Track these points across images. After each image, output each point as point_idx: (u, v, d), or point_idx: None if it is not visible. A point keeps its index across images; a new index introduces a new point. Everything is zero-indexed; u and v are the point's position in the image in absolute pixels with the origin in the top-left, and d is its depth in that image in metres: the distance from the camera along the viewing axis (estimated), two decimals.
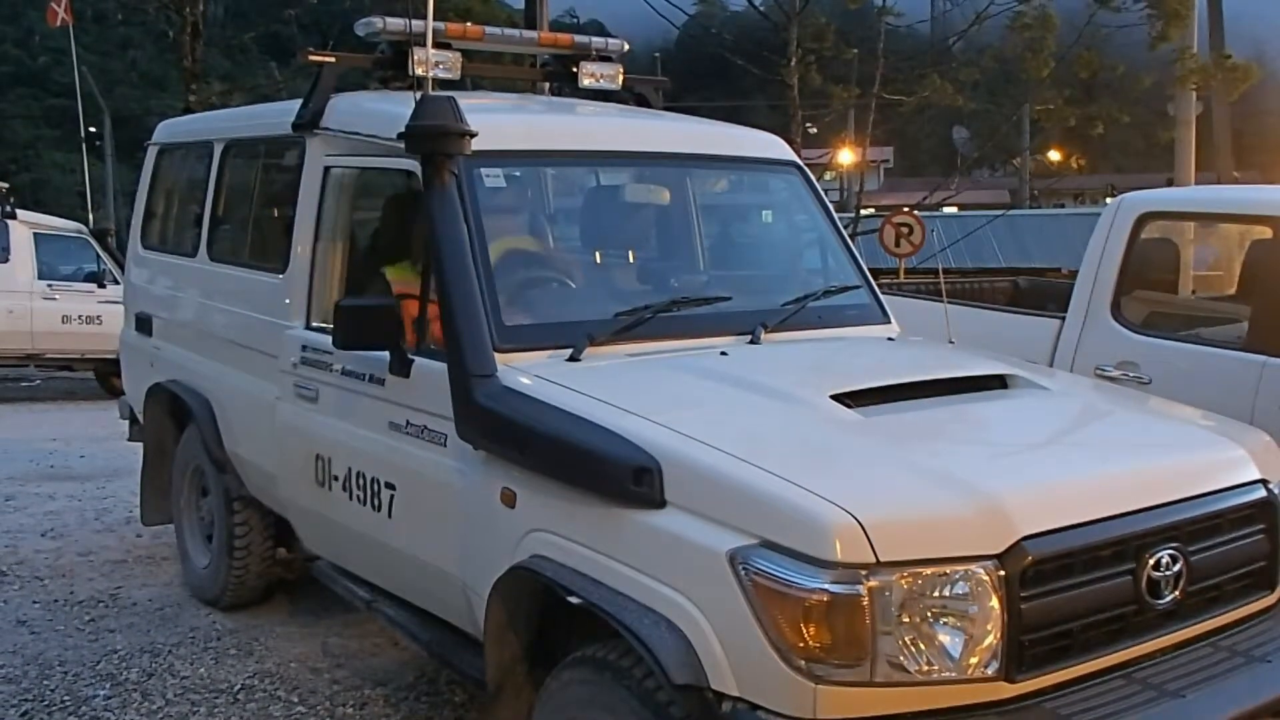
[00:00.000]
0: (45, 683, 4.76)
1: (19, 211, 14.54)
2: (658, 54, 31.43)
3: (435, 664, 4.90)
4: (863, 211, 17.09)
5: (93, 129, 41.04)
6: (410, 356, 3.67)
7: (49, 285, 14.27)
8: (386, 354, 3.69)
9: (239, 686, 4.74)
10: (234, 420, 5.09)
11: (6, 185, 15.15)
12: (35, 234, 14.42)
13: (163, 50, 51.49)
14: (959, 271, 15.33)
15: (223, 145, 5.46)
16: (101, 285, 14.41)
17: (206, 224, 5.49)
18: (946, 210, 22.52)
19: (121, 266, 14.79)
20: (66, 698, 4.62)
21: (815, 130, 20.73)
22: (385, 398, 3.80)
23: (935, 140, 40.02)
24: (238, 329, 5.00)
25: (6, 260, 14.17)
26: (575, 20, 45.21)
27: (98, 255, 14.69)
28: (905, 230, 14.86)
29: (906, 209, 16.06)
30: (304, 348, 4.27)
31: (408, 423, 3.70)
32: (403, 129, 3.64)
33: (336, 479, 4.06)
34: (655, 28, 21.50)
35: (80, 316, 14.30)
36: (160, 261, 6.07)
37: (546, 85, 5.24)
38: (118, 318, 15.82)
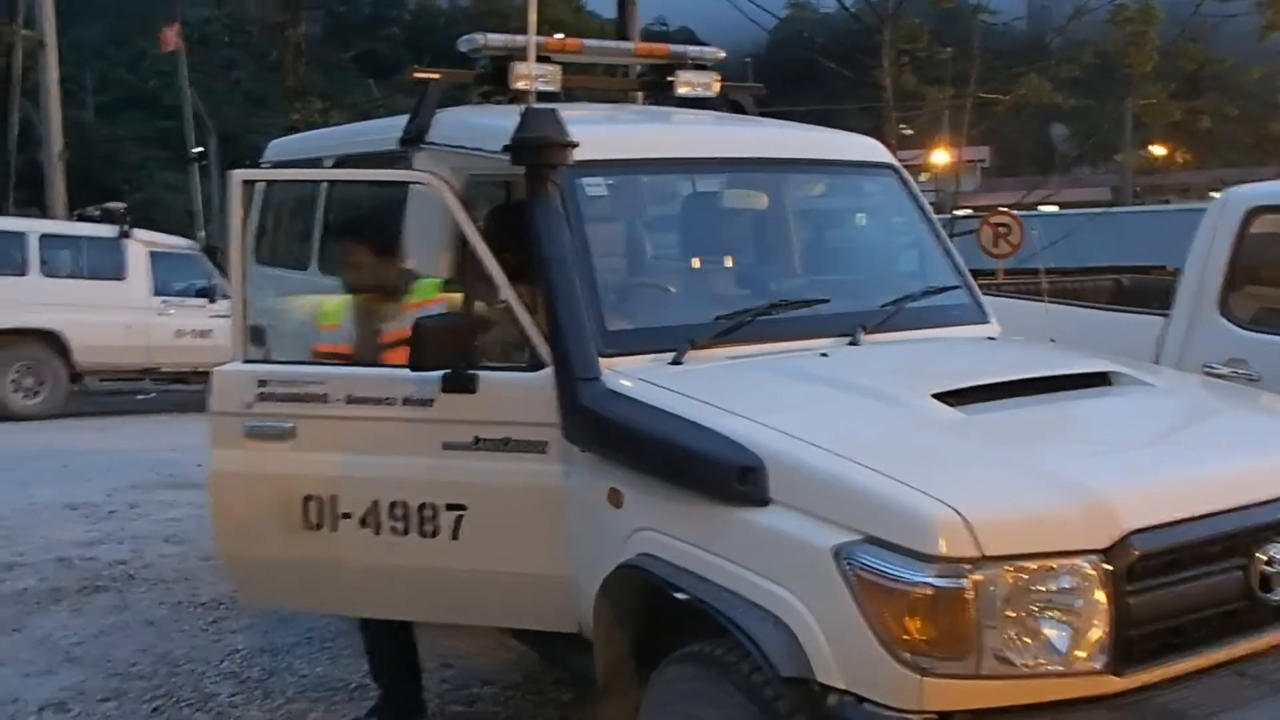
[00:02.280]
0: (174, 679, 4.97)
1: (134, 230, 15.08)
2: (748, 59, 31.42)
3: (540, 665, 5.02)
4: (959, 212, 16.94)
5: (199, 149, 42.17)
6: (472, 371, 3.63)
7: (163, 301, 14.77)
8: (433, 373, 3.63)
9: (354, 685, 4.90)
10: None
11: (123, 205, 15.70)
12: (150, 252, 14.94)
13: (264, 71, 52.75)
14: (1059, 271, 15.14)
15: (331, 162, 5.63)
16: (212, 300, 14.85)
17: (316, 238, 5.66)
18: (1044, 209, 22.22)
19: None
20: (194, 694, 4.81)
21: (910, 132, 20.59)
22: (436, 417, 3.69)
23: (1032, 139, 39.43)
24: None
25: (124, 278, 14.70)
26: (665, 27, 45.29)
27: (208, 271, 15.15)
28: (1003, 230, 14.71)
29: (1004, 209, 15.88)
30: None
31: (477, 439, 3.65)
32: (508, 142, 3.74)
33: (346, 517, 3.79)
34: (745, 33, 21.56)
35: (193, 330, 14.77)
36: (271, 275, 6.26)
37: (640, 95, 5.31)
38: (228, 332, 16.28)
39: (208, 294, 14.88)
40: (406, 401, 3.75)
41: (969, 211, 17.98)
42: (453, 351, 3.59)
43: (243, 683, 4.94)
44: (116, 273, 14.73)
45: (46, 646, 5.48)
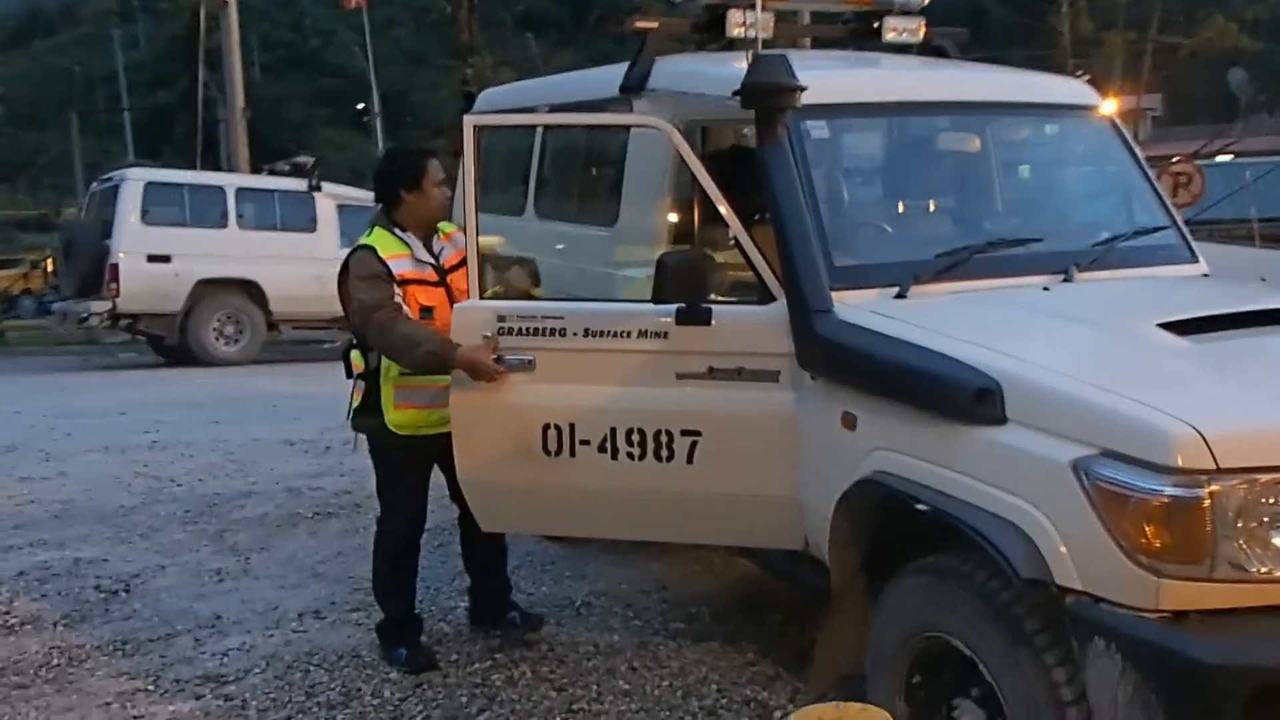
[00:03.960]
0: None
1: (323, 184, 15.80)
2: None
3: (752, 589, 5.33)
4: None
5: (360, 105, 43.24)
6: (706, 306, 3.89)
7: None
8: (668, 307, 3.88)
9: (579, 602, 5.28)
10: None
11: (311, 160, 16.44)
12: (338, 205, 15.64)
13: (423, 29, 53.74)
14: (1242, 222, 14.70)
15: (547, 111, 5.95)
16: None
17: (533, 184, 6.01)
18: (1221, 158, 21.49)
19: None
20: (433, 607, 5.24)
21: (1088, 78, 20.16)
22: (671, 349, 3.94)
23: (1208, 85, 37.97)
24: (566, 279, 5.45)
25: (314, 230, 15.44)
26: None
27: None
28: (1184, 180, 14.37)
29: (1181, 157, 15.49)
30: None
31: (711, 369, 3.91)
32: (738, 87, 3.99)
33: (586, 443, 4.05)
34: None
35: None
36: (486, 221, 6.63)
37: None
38: None
39: None
40: (642, 334, 4.01)
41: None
42: (690, 287, 3.85)
43: None
44: (308, 225, 15.48)
45: (293, 564, 6.01)
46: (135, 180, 15.02)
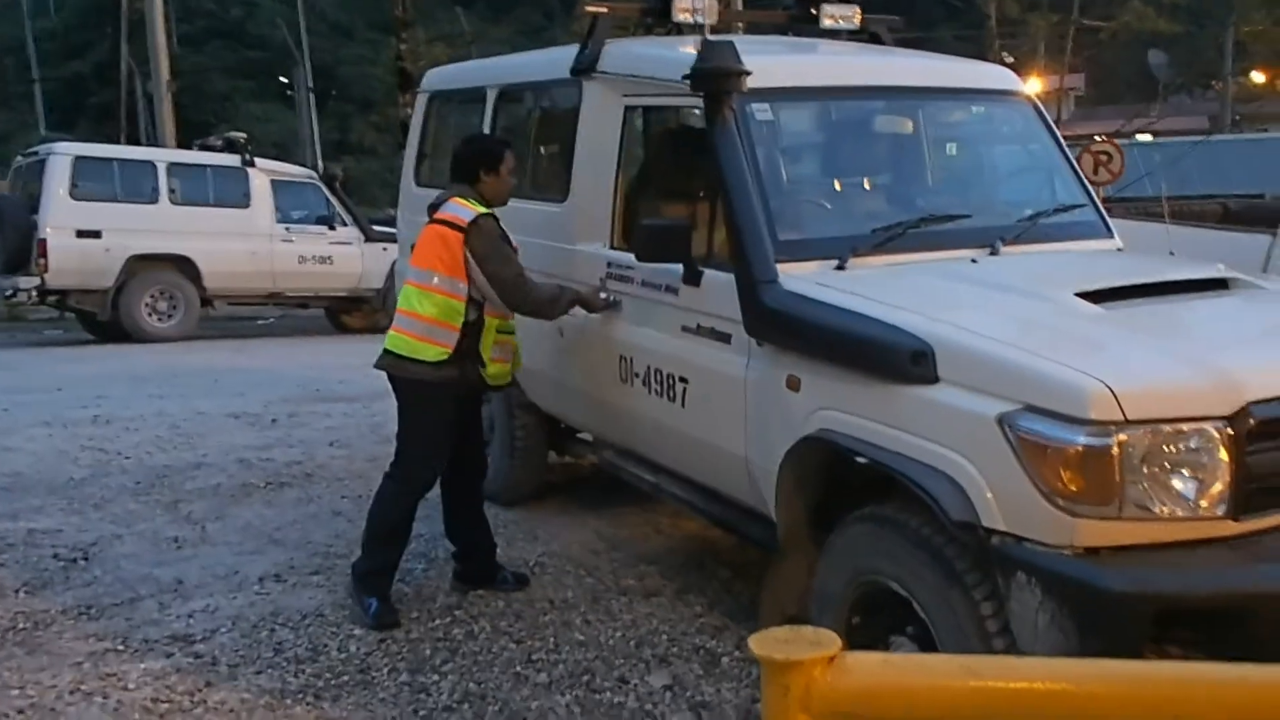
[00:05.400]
0: None
1: (256, 159, 15.77)
2: None
3: (698, 548, 5.62)
4: None
5: (284, 79, 42.65)
6: (699, 269, 4.28)
7: (286, 228, 15.45)
8: (681, 267, 4.32)
9: (534, 562, 5.52)
10: (519, 335, 5.82)
11: (244, 135, 16.39)
12: (272, 180, 15.62)
13: (347, 1, 52.97)
14: (1157, 199, 15.23)
15: (496, 90, 6.16)
16: (332, 228, 15.57)
17: None
18: (1140, 138, 22.15)
19: (349, 210, 15.97)
20: None
21: (1012, 60, 20.68)
22: (679, 304, 4.44)
23: (1130, 66, 38.83)
24: (520, 253, 5.67)
25: (248, 206, 15.42)
26: None
27: (327, 199, 15.82)
28: (1104, 158, 14.88)
29: (1103, 137, 16.01)
30: (609, 264, 4.93)
31: (698, 325, 4.35)
32: (687, 71, 4.25)
33: (637, 376, 4.71)
34: None
35: (314, 257, 15.46)
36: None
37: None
38: (347, 258, 16.94)
39: (327, 221, 15.57)
40: (666, 289, 4.53)
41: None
42: (667, 249, 4.29)
43: (432, 561, 5.55)
44: (241, 201, 15.42)
45: (250, 531, 6.17)
46: (63, 154, 14.85)
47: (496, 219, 4.81)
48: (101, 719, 4.11)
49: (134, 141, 22.82)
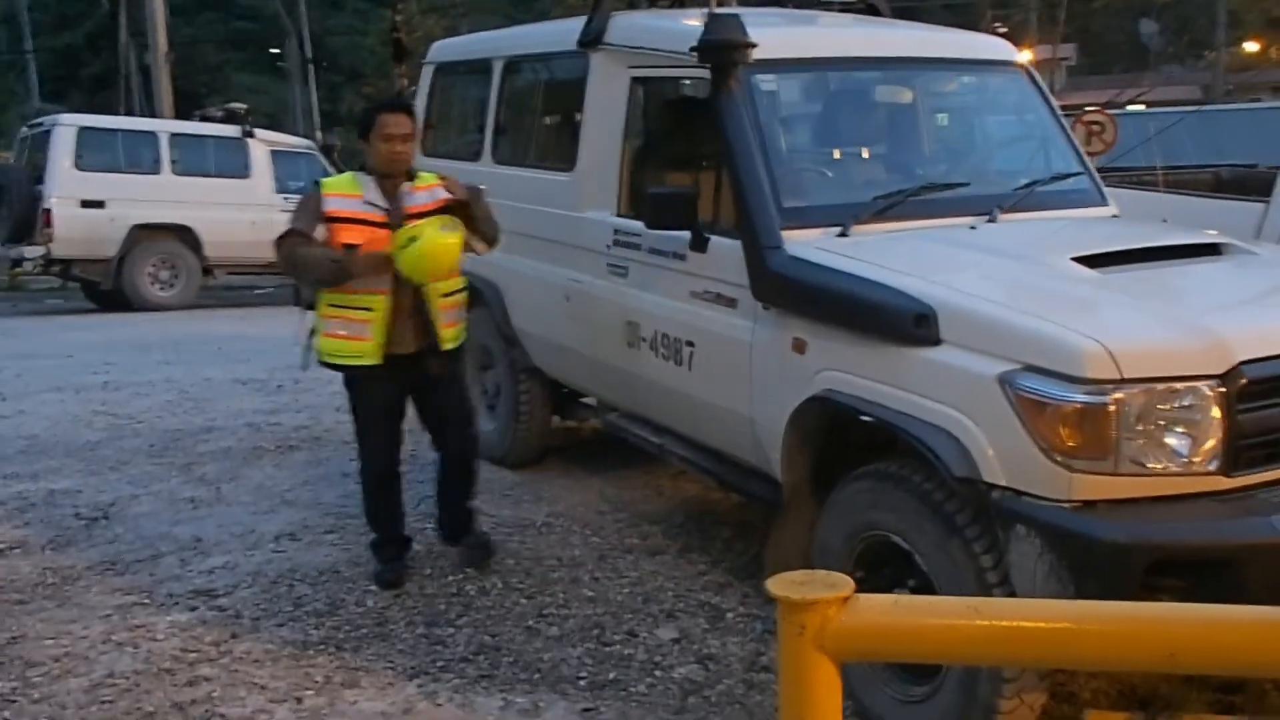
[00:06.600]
0: None
1: (256, 130, 15.85)
2: None
3: (699, 509, 5.77)
4: None
5: (275, 50, 42.42)
6: (706, 235, 4.41)
7: (285, 199, 15.51)
8: (688, 234, 4.44)
9: (540, 523, 5.67)
10: (523, 301, 5.95)
11: (244, 106, 16.46)
12: (271, 151, 15.71)
13: None
14: (1151, 170, 15.33)
15: (503, 62, 6.26)
16: None
17: (490, 132, 6.32)
18: (1132, 108, 22.21)
19: None
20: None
21: (1005, 30, 20.73)
22: (686, 270, 4.57)
23: (1121, 36, 38.88)
24: (526, 221, 5.78)
25: (248, 176, 15.51)
26: None
27: (325, 170, 15.88)
28: (1097, 129, 14.97)
29: (1096, 107, 16.08)
30: (616, 231, 5.05)
31: (705, 290, 4.47)
32: (694, 43, 4.36)
33: (644, 340, 4.84)
34: None
35: None
36: (442, 168, 6.93)
37: None
38: None
39: None
40: (674, 255, 4.64)
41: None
42: (675, 217, 4.39)
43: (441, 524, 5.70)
44: (242, 171, 15.52)
45: (263, 492, 6.32)
46: (68, 125, 14.95)
47: (319, 187, 4.74)
48: (135, 666, 4.27)
49: (128, 113, 22.81)
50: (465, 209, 4.72)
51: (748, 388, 4.26)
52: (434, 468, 5.36)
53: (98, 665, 4.29)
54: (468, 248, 4.73)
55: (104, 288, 15.00)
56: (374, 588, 4.93)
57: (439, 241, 4.45)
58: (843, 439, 3.97)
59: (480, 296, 6.22)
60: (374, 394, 4.88)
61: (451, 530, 5.29)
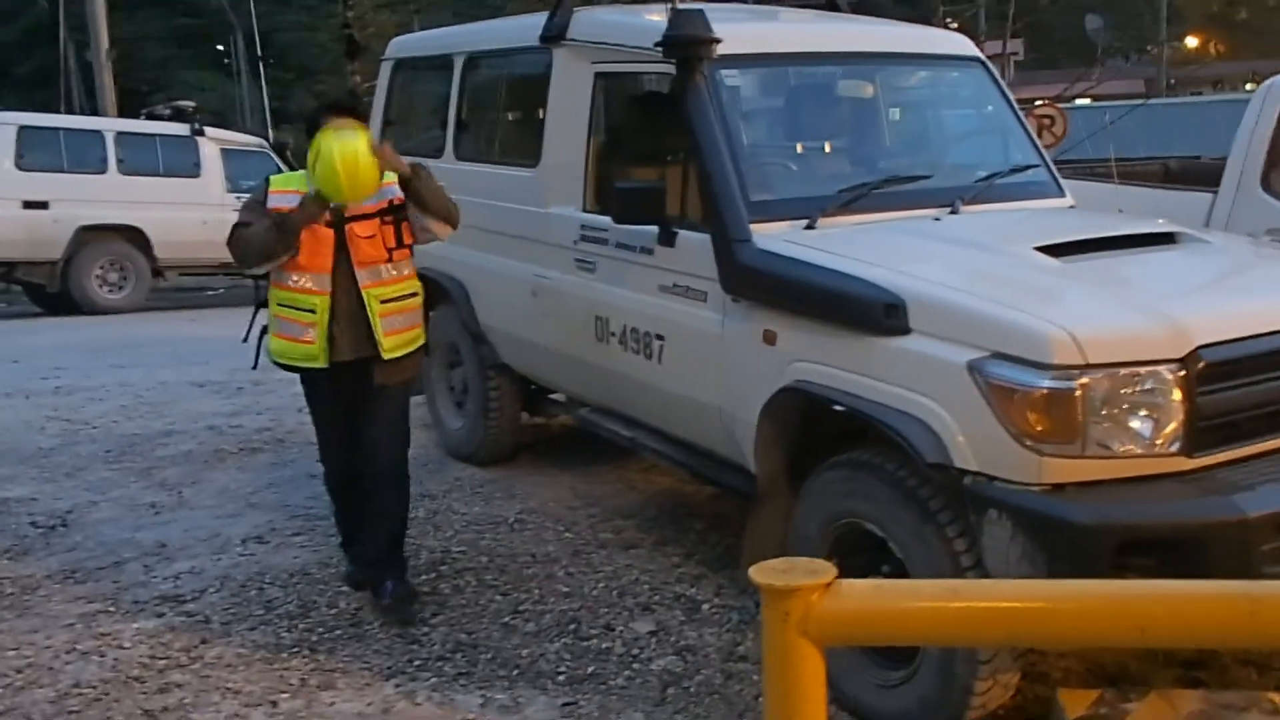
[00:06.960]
0: None
1: (205, 128, 15.68)
2: None
3: (671, 503, 5.81)
4: None
5: (221, 46, 41.92)
6: (674, 230, 4.44)
7: (237, 198, 15.36)
8: (656, 228, 4.47)
9: (512, 520, 5.69)
10: (490, 298, 5.96)
11: (193, 104, 16.29)
12: (222, 149, 15.55)
13: None
14: (1100, 162, 15.54)
15: (464, 58, 6.27)
16: None
17: (451, 128, 6.32)
18: (1079, 102, 22.54)
19: None
20: None
21: (956, 25, 20.94)
22: (655, 264, 4.61)
23: (1067, 30, 39.31)
24: (491, 217, 5.78)
25: (199, 175, 15.34)
26: None
27: (277, 167, 15.73)
28: (1048, 122, 15.17)
29: (1046, 101, 16.31)
30: (582, 227, 5.08)
31: (674, 284, 4.51)
32: (659, 39, 4.40)
33: (614, 335, 4.87)
34: None
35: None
36: None
37: None
38: None
39: None
40: (642, 250, 4.66)
41: None
42: (642, 211, 4.43)
43: (413, 521, 5.65)
44: (191, 170, 15.33)
45: (228, 495, 6.28)
46: (8, 124, 14.69)
47: (266, 183, 4.62)
48: (102, 675, 4.23)
49: (69, 111, 22.52)
50: (407, 185, 4.48)
51: (719, 380, 4.31)
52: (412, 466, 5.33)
53: (63, 675, 4.25)
54: (427, 233, 4.60)
55: (50, 290, 14.78)
56: (346, 589, 4.92)
57: (341, 146, 4.23)
58: (815, 429, 4.02)
59: (446, 294, 6.24)
60: (324, 397, 4.78)
61: (376, 574, 4.78)
